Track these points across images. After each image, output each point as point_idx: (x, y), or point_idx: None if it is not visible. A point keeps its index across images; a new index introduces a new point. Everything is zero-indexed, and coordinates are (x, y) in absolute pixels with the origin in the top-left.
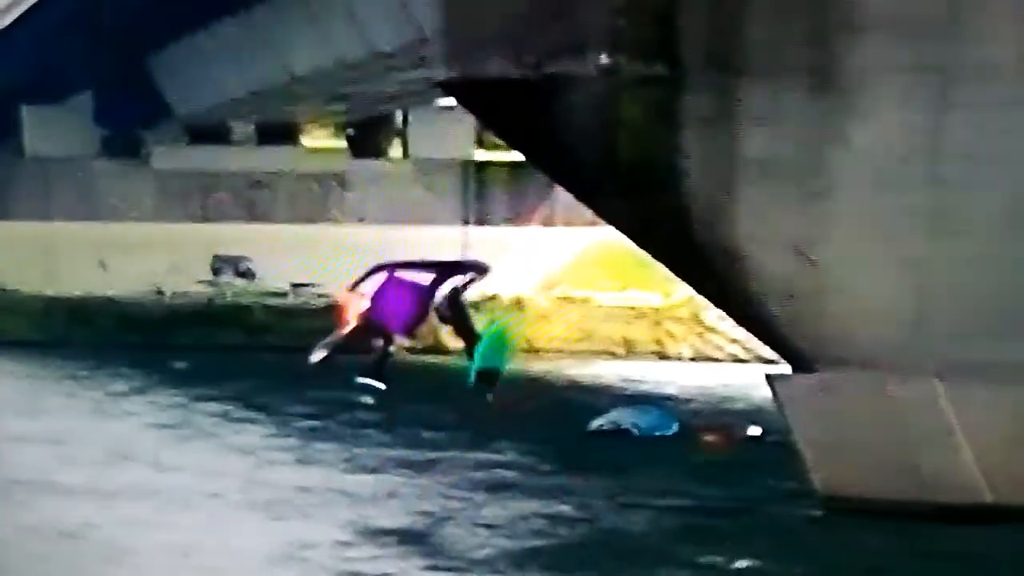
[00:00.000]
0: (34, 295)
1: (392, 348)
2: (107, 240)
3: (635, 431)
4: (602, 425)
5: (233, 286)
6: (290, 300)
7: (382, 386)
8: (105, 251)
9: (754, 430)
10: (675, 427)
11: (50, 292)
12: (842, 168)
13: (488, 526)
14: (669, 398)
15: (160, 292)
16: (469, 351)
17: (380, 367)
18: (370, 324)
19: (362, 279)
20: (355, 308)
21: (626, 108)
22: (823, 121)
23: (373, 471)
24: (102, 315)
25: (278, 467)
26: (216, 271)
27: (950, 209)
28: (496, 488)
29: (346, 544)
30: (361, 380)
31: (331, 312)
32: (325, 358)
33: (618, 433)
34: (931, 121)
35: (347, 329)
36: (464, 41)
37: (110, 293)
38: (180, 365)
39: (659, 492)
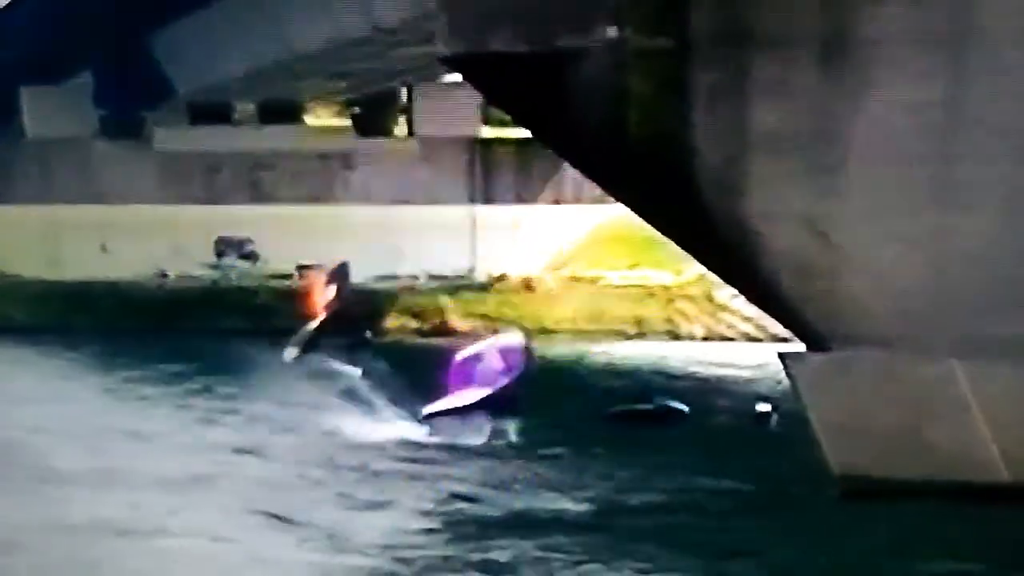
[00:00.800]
0: (35, 280)
1: (368, 334)
2: (109, 223)
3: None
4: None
5: (237, 268)
6: (295, 282)
7: (357, 371)
8: (107, 234)
9: (763, 407)
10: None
11: (51, 277)
12: (855, 141)
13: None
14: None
15: (163, 275)
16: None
17: (356, 352)
18: (340, 314)
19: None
20: (322, 299)
21: (634, 82)
22: (835, 93)
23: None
24: (104, 300)
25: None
26: (220, 253)
27: (965, 181)
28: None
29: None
30: (334, 366)
31: (294, 304)
32: (299, 355)
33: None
34: (945, 92)
35: (317, 322)
36: (469, 16)
37: (112, 277)
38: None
39: (672, 474)
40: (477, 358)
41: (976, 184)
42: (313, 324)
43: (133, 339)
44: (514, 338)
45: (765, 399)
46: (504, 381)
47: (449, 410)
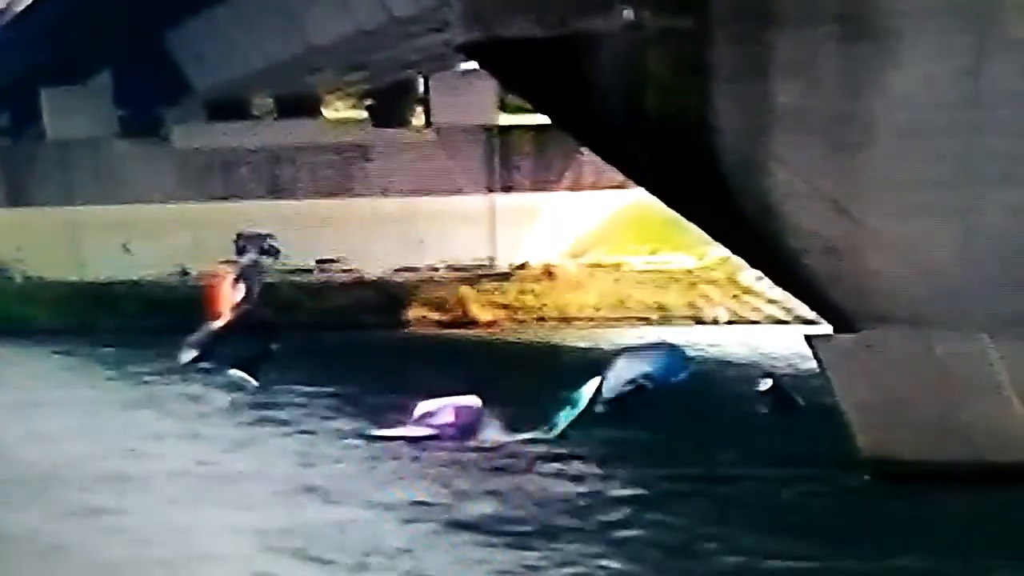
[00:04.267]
0: (58, 281)
1: (275, 345)
2: (130, 222)
3: (648, 384)
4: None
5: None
6: (316, 277)
7: (255, 383)
8: (128, 234)
9: (765, 383)
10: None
11: (74, 277)
12: (879, 117)
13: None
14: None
15: (185, 273)
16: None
17: (257, 362)
18: (247, 316)
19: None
20: (229, 298)
21: (653, 64)
22: (858, 69)
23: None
24: (127, 299)
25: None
26: (240, 250)
27: (993, 155)
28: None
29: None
30: (233, 373)
31: (200, 302)
32: (196, 358)
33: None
34: (970, 64)
35: (221, 322)
36: (484, 2)
37: (134, 276)
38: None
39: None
40: (435, 412)
41: (1004, 157)
42: (214, 325)
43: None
44: (472, 400)
45: (766, 374)
46: (451, 432)
47: (398, 436)
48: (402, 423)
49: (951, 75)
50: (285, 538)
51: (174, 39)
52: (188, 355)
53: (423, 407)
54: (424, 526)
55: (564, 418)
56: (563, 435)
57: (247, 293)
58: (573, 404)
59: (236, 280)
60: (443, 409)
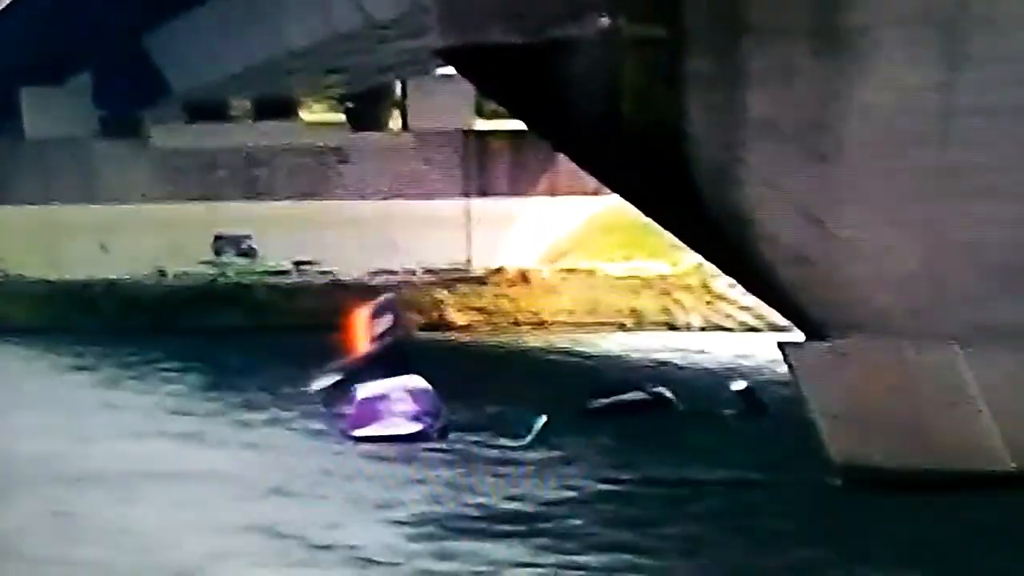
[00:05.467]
0: (36, 281)
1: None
2: (108, 222)
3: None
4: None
5: (235, 265)
6: (293, 279)
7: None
8: (106, 233)
9: (738, 384)
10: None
11: (52, 277)
12: (851, 127)
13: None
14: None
15: (162, 273)
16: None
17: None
18: (387, 351)
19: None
20: (369, 330)
21: (628, 71)
22: (831, 80)
23: None
24: (105, 299)
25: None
26: (218, 251)
27: (963, 167)
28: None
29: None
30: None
31: (339, 335)
32: (332, 386)
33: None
34: (941, 76)
35: (359, 355)
36: (462, 8)
37: (112, 276)
38: None
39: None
40: (382, 398)
41: (974, 169)
42: (353, 357)
43: (135, 337)
44: (419, 381)
45: (740, 376)
46: (428, 422)
47: (381, 437)
48: (347, 407)
49: (922, 87)
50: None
51: (153, 40)
52: (323, 383)
53: (365, 390)
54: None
55: (535, 426)
56: (532, 443)
57: (392, 326)
58: (539, 414)
59: (377, 313)
60: (394, 396)
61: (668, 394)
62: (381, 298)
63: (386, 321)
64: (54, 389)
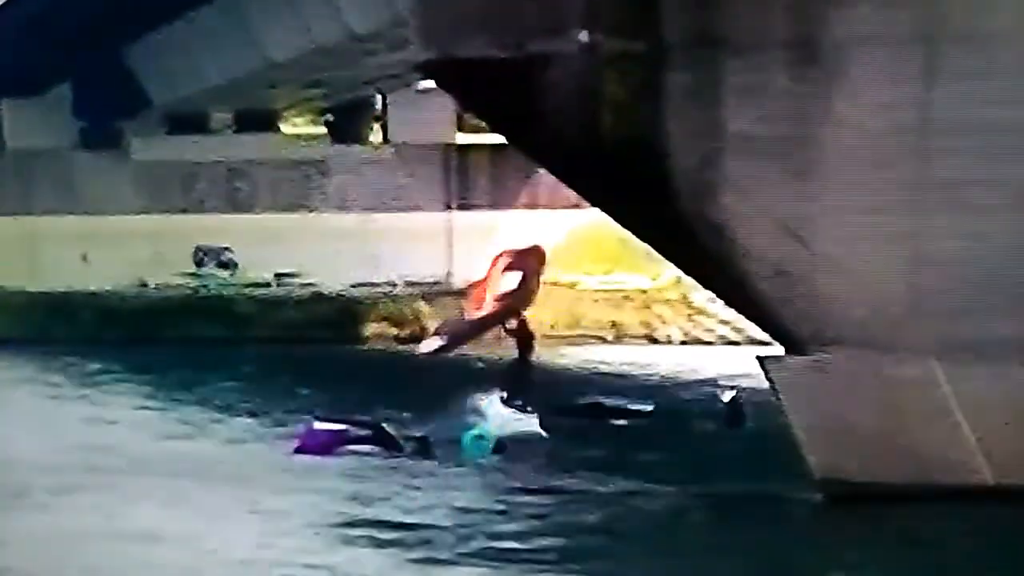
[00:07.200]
0: (16, 291)
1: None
2: (89, 233)
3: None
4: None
5: (216, 277)
6: (274, 290)
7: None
8: (87, 244)
9: (727, 394)
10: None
11: (32, 288)
12: (830, 142)
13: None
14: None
15: (143, 284)
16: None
17: (521, 385)
18: (507, 314)
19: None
20: (497, 284)
21: (607, 86)
22: (808, 95)
23: None
24: (85, 310)
25: None
26: (199, 262)
27: (941, 181)
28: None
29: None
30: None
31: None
32: (440, 348)
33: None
34: (918, 92)
35: (479, 313)
36: (442, 22)
37: (93, 287)
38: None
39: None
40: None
41: (952, 183)
42: (471, 315)
43: (113, 349)
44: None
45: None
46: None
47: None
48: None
49: (900, 102)
50: None
51: (134, 52)
52: (431, 345)
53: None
54: None
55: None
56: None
57: (519, 286)
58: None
59: (509, 266)
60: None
61: (647, 407)
62: (522, 247)
63: (513, 279)
64: (24, 401)
